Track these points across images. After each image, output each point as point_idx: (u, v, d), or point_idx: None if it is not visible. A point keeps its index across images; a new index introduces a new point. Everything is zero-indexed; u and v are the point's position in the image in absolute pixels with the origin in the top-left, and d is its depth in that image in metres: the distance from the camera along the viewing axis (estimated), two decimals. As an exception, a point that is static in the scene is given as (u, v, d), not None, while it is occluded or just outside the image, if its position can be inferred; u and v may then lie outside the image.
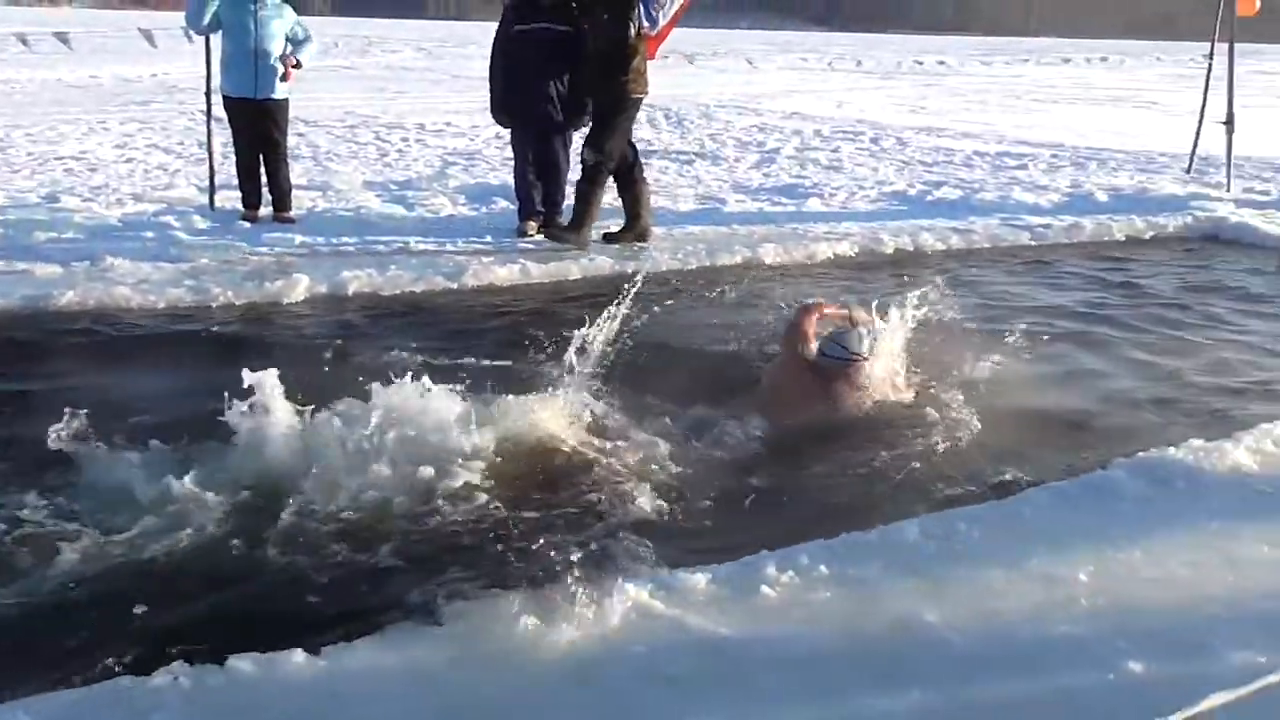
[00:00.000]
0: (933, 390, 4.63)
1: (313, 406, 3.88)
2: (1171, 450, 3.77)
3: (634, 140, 7.86)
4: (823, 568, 2.99)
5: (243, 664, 2.53)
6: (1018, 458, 4.04)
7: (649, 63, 7.53)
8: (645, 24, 7.34)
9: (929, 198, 10.02)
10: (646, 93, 7.55)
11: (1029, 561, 3.05)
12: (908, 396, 4.48)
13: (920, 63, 37.83)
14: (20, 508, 3.45)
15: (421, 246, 7.29)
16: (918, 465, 3.93)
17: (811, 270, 7.27)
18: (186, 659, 2.54)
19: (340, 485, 3.52)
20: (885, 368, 4.43)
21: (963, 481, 3.81)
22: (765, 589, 2.90)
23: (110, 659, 2.64)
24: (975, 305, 6.06)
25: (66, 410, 3.66)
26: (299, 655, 2.56)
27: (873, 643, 2.70)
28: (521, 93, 7.56)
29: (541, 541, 3.27)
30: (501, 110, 7.74)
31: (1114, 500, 3.47)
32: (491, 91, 7.76)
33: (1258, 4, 10.26)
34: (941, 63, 37.92)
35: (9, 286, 5.99)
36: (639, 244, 7.57)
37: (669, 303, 5.82)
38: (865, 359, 4.31)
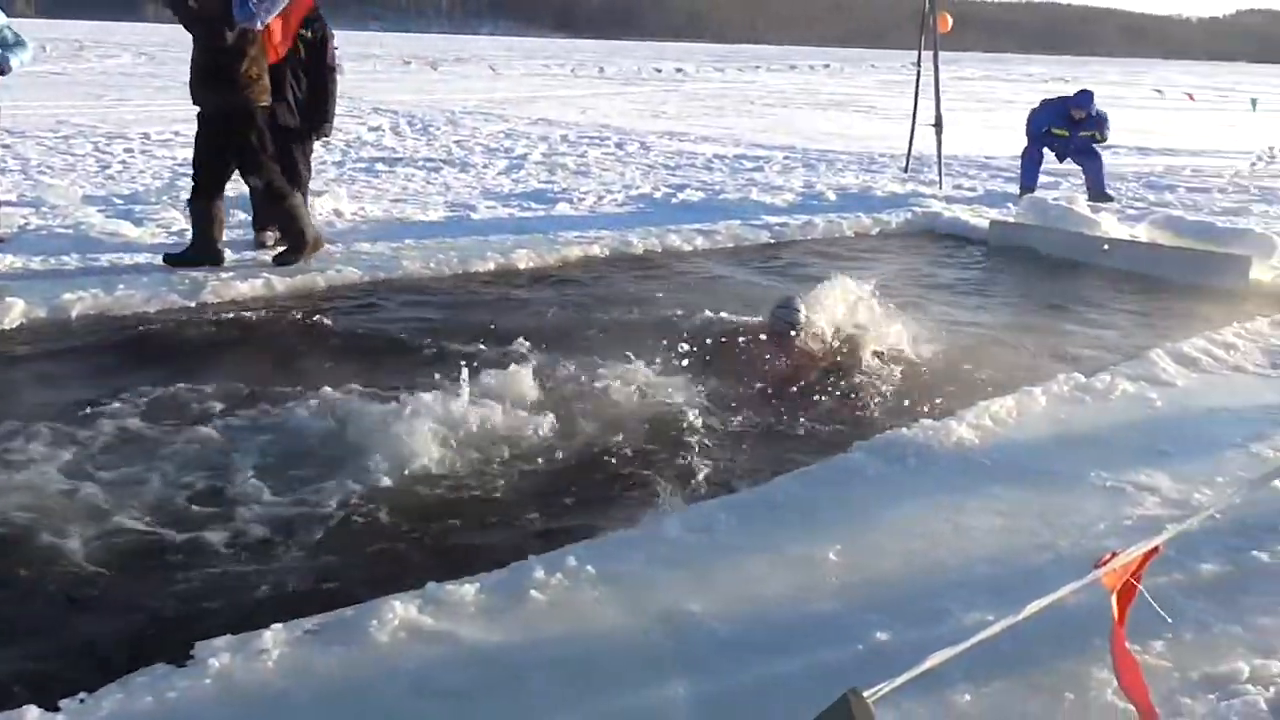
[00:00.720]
0: (688, 386, 4.81)
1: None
2: (904, 430, 4.06)
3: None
4: (589, 568, 3.02)
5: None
6: (767, 446, 4.26)
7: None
8: (245, 21, 6.50)
9: (674, 200, 10.35)
10: (268, 101, 6.85)
11: (785, 545, 3.21)
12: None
13: (659, 69, 38.95)
14: None
15: (154, 264, 6.82)
16: (674, 460, 4.07)
17: (566, 272, 7.34)
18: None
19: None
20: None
21: (718, 472, 3.98)
22: (534, 593, 2.90)
23: None
24: (727, 300, 6.30)
25: None
26: (32, 712, 2.35)
27: (641, 637, 2.76)
28: None
29: (307, 566, 3.17)
30: None
31: (857, 480, 3.70)
32: None
33: (950, 23, 11.47)
34: (679, 69, 39.19)
35: None
36: (314, 254, 7.09)
37: (425, 310, 5.75)
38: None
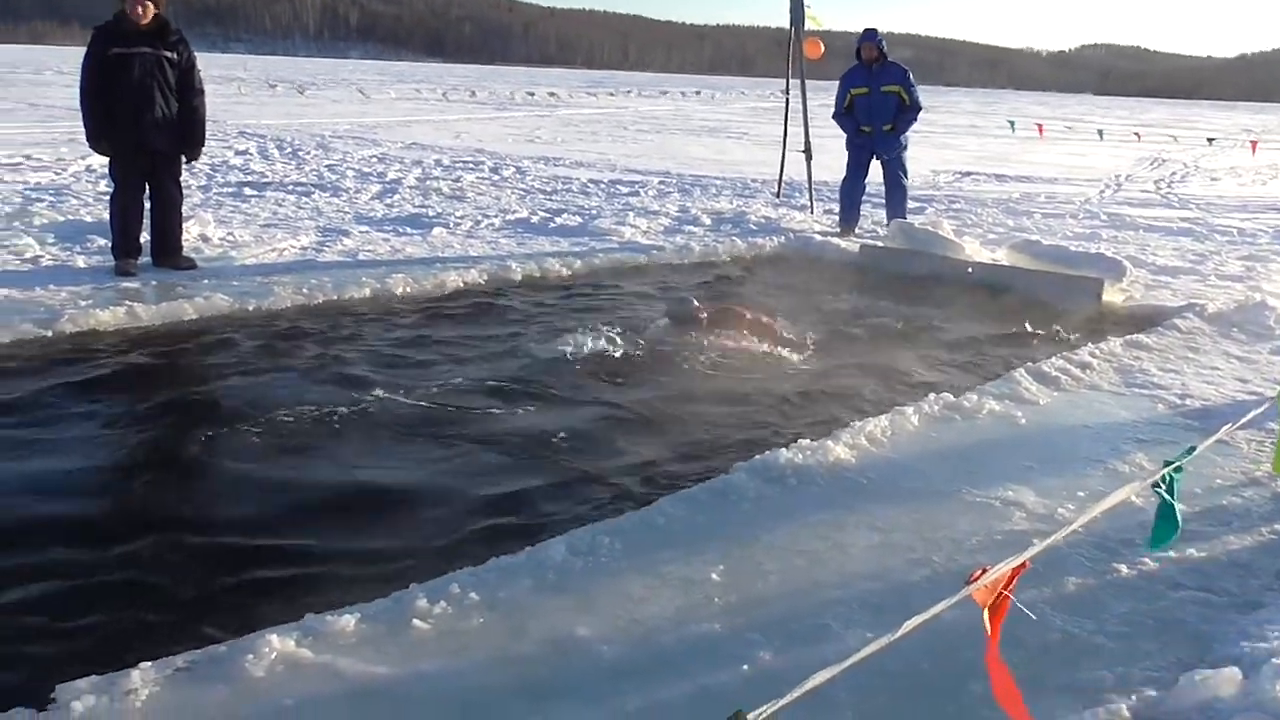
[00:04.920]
0: (568, 409, 4.81)
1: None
2: (783, 450, 4.14)
3: None
4: (473, 594, 2.99)
5: None
6: (647, 468, 4.29)
7: None
8: None
9: (551, 224, 10.36)
10: None
11: (667, 567, 3.23)
12: None
13: (532, 94, 38.99)
14: None
15: (4, 293, 6.48)
16: (555, 483, 4.07)
17: (439, 300, 7.25)
18: None
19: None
20: None
21: (600, 495, 3.99)
22: (417, 622, 2.86)
23: None
24: (600, 323, 6.32)
25: None
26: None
27: (527, 664, 2.74)
28: (124, 117, 7.00)
29: (163, 602, 3.06)
30: (100, 138, 7.10)
31: (738, 500, 3.75)
32: (86, 117, 7.08)
33: (822, 49, 11.63)
34: (552, 94, 39.30)
35: None
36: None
37: (299, 343, 5.60)
38: None
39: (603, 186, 13.71)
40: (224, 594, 3.20)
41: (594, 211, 11.32)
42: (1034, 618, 2.58)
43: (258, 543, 3.52)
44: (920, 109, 10.61)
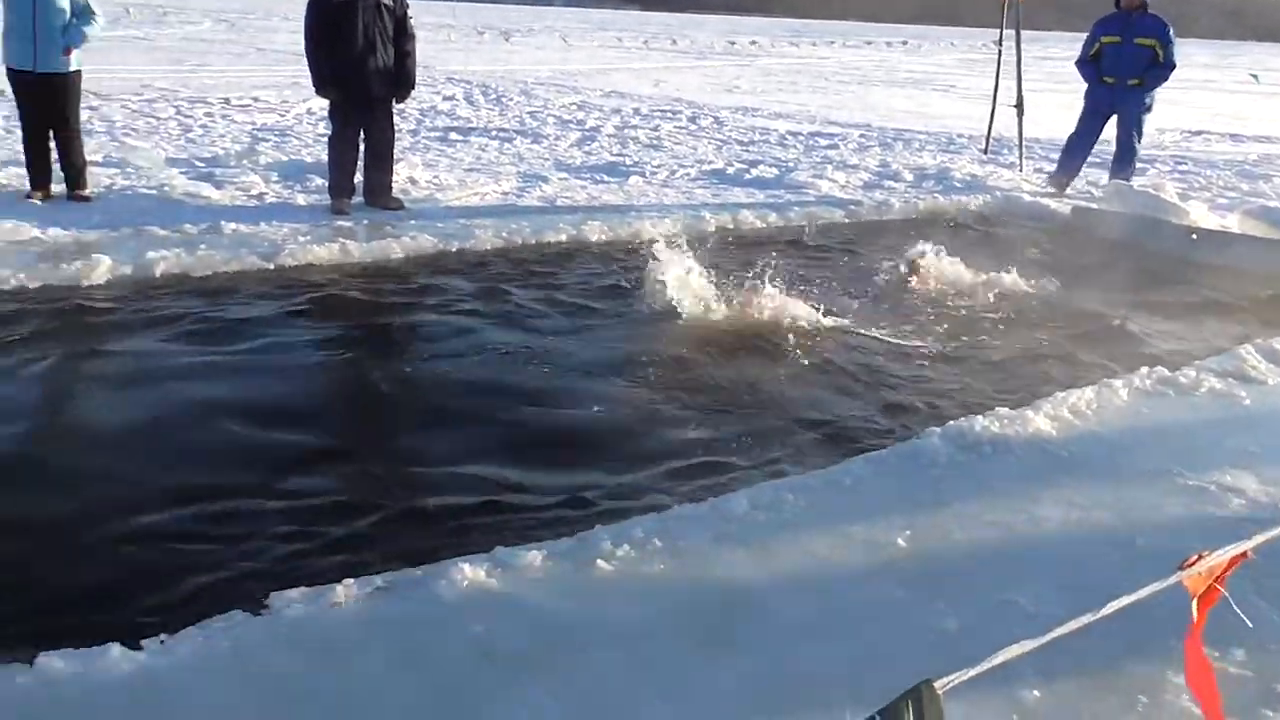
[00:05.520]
0: (751, 361, 4.80)
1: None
2: (979, 418, 3.99)
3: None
4: (656, 541, 3.03)
5: (54, 660, 2.39)
6: (837, 427, 4.23)
7: None
8: None
9: (747, 176, 10.27)
10: None
11: (851, 528, 3.18)
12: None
13: (733, 43, 38.60)
14: None
15: (233, 226, 6.95)
16: (742, 437, 4.07)
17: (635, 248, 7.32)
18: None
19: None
20: None
21: (787, 452, 3.97)
22: (600, 563, 2.92)
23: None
24: (797, 278, 6.24)
25: None
26: (114, 650, 2.44)
27: (704, 614, 2.75)
28: (348, 65, 7.34)
29: (379, 527, 3.24)
30: (326, 83, 7.48)
31: (928, 466, 3.65)
32: (313, 64, 7.48)
33: None
34: (753, 43, 38.80)
35: None
36: None
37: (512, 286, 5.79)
38: None
39: (801, 138, 13.47)
40: (420, 520, 3.36)
41: (791, 164, 11.15)
42: (1246, 613, 2.41)
43: (452, 472, 3.68)
44: (1174, 68, 9.75)
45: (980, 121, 12.72)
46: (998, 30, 11.16)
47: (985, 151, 12.33)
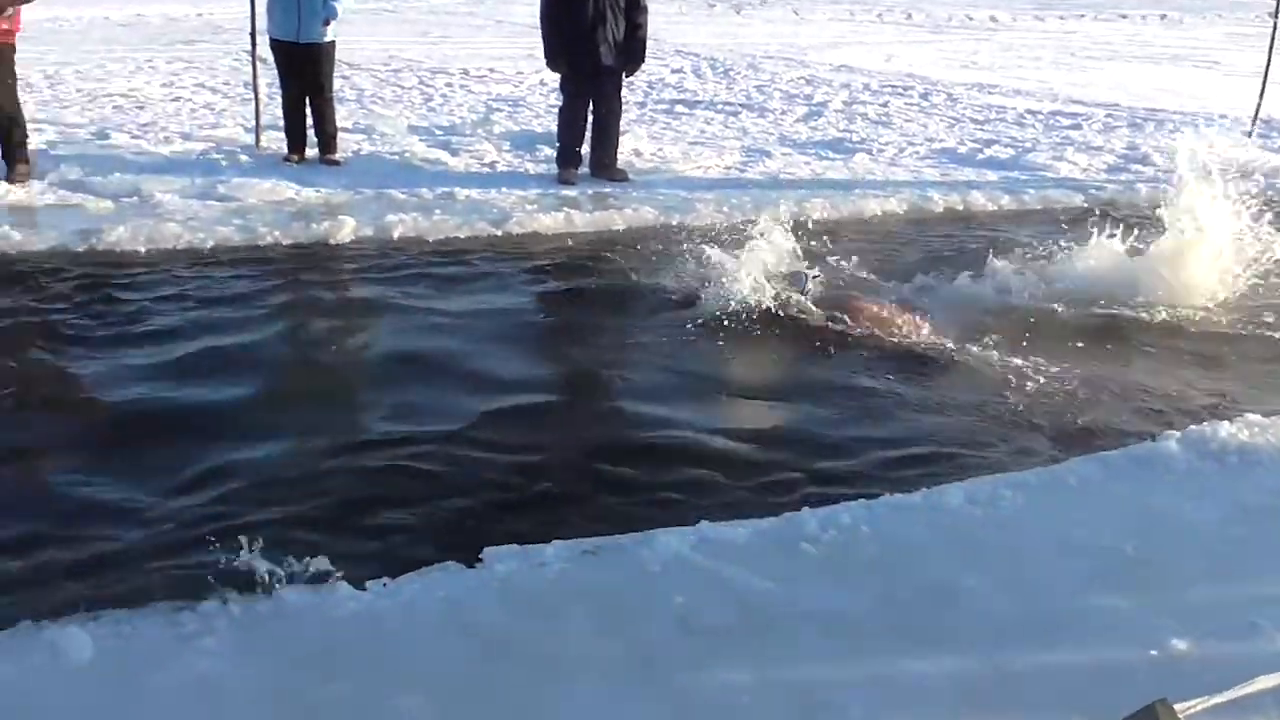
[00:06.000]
0: (975, 351, 4.61)
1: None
2: (1225, 424, 3.69)
3: None
4: (864, 528, 2.98)
5: (290, 594, 2.59)
6: (1062, 424, 4.00)
7: None
8: None
9: (979, 156, 9.84)
10: None
11: (1074, 531, 3.02)
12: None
13: (971, 17, 37.00)
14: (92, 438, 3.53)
15: (466, 193, 7.26)
16: (961, 427, 3.92)
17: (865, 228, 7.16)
18: (236, 587, 2.61)
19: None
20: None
21: (1007, 446, 3.79)
22: (805, 545, 2.90)
23: (162, 582, 2.72)
24: (1026, 266, 5.94)
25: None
26: (343, 588, 2.62)
27: (910, 606, 2.69)
28: (580, 39, 7.51)
29: (586, 490, 3.32)
30: (558, 56, 7.68)
31: (1163, 472, 3.41)
32: (546, 37, 7.69)
33: None
34: (993, 17, 37.06)
35: (61, 220, 6.07)
36: None
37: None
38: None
39: (1041, 117, 12.77)
40: (625, 487, 3.41)
41: (1028, 144, 10.60)
42: None
43: (659, 441, 3.70)
44: None
45: (1245, 102, 11.69)
46: (1274, 1, 10.21)
47: (1250, 134, 11.34)
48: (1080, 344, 4.81)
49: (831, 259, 5.88)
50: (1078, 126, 12.16)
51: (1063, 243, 6.02)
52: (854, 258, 5.97)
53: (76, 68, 12.19)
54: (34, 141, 7.16)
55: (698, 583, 2.74)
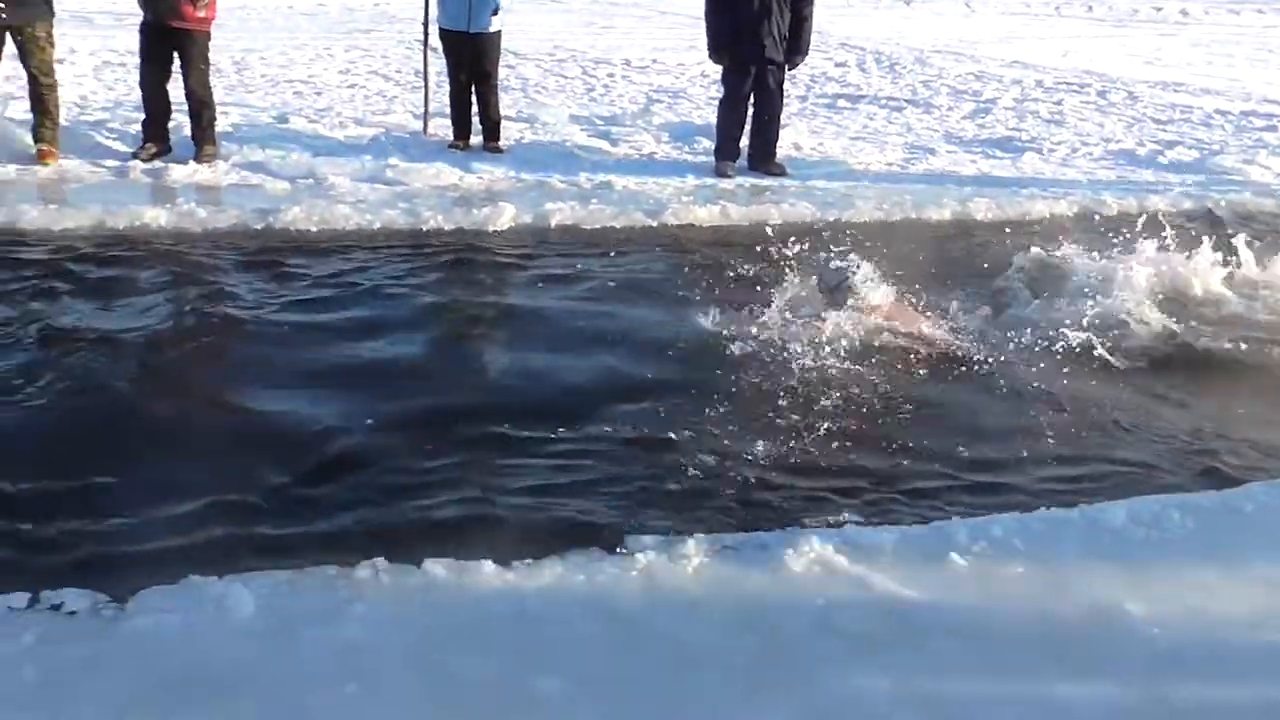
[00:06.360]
0: (1138, 365, 4.39)
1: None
2: None
3: None
4: (1017, 542, 2.88)
5: (437, 567, 2.67)
6: (1237, 444, 3.77)
7: None
8: None
9: (1160, 158, 9.34)
10: None
11: (1248, 561, 2.85)
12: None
13: (1159, 9, 35.16)
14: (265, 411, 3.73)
15: (623, 183, 7.32)
16: (1125, 443, 3.74)
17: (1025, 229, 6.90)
18: (387, 556, 2.70)
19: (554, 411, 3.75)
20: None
21: (1175, 465, 3.60)
22: (954, 557, 2.82)
23: (318, 549, 2.84)
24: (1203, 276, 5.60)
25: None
26: (489, 566, 2.68)
27: (1064, 627, 2.58)
28: (744, 31, 7.47)
29: (736, 486, 3.31)
30: (722, 48, 7.66)
31: (1354, 503, 3.17)
32: (711, 29, 7.68)
33: None
34: (1183, 11, 35.13)
35: (242, 199, 6.40)
36: None
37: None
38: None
39: (1231, 118, 12.03)
40: (765, 484, 3.36)
41: (1216, 146, 10.00)
42: None
43: (805, 442, 3.64)
44: None
45: None
46: None
47: None
48: (1267, 365, 4.52)
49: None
50: (1273, 128, 11.40)
51: (1245, 252, 5.65)
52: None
53: (261, 54, 12.82)
54: (221, 124, 7.56)
55: (840, 585, 2.70)
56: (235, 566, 2.70)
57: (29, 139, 6.99)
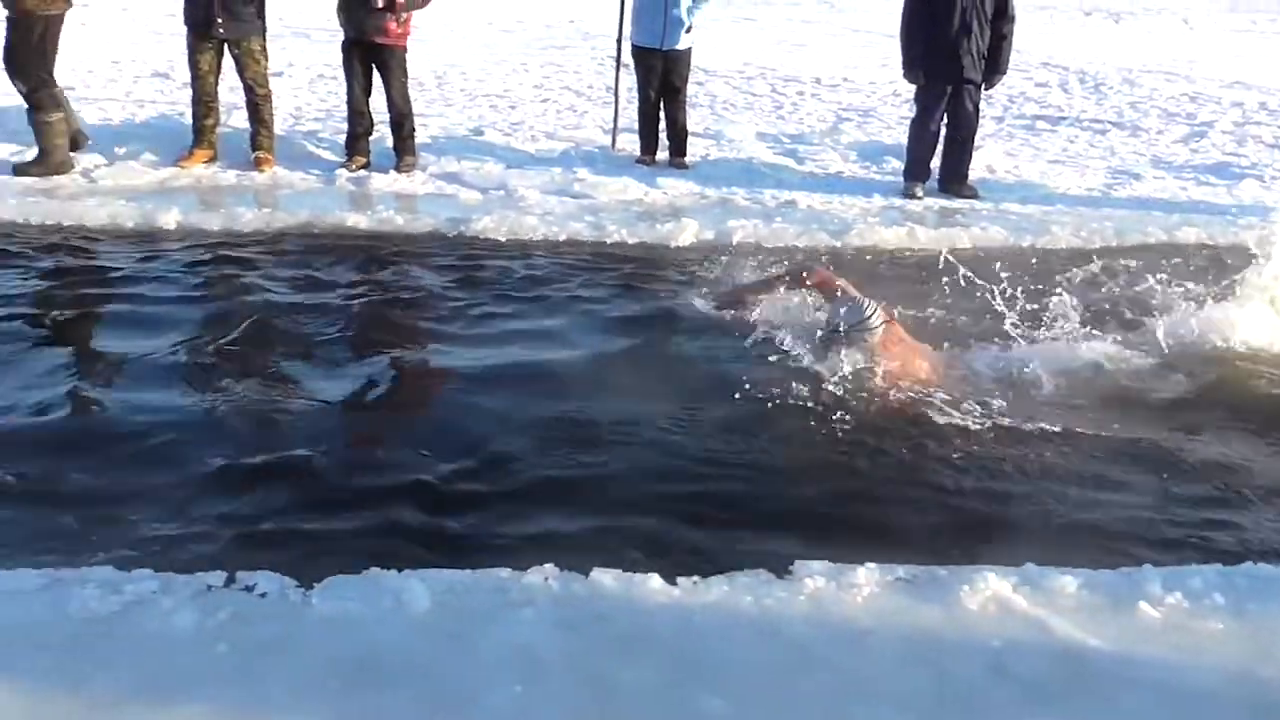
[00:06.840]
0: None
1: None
2: None
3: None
4: (1218, 597, 2.68)
5: (605, 577, 2.70)
6: None
7: None
8: None
9: (1403, 189, 8.59)
10: (51, 9, 6.67)
11: None
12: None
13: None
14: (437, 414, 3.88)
15: (808, 202, 7.26)
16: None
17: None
18: (557, 564, 2.75)
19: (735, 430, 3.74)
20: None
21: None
22: (1144, 606, 2.65)
23: (493, 553, 2.92)
24: None
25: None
26: (656, 580, 2.69)
27: (1270, 691, 2.39)
28: (942, 49, 7.31)
29: (906, 516, 3.23)
30: (917, 67, 7.51)
31: None
32: (906, 47, 7.54)
33: None
34: None
35: (437, 208, 6.69)
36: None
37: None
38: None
39: None
40: (950, 522, 3.27)
41: None
42: None
43: (977, 474, 3.52)
44: None
45: None
46: None
47: None
48: None
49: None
50: None
51: None
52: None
53: (461, 69, 13.33)
54: (420, 136, 7.92)
55: (1017, 627, 2.58)
56: (413, 561, 2.80)
57: (248, 147, 7.51)
